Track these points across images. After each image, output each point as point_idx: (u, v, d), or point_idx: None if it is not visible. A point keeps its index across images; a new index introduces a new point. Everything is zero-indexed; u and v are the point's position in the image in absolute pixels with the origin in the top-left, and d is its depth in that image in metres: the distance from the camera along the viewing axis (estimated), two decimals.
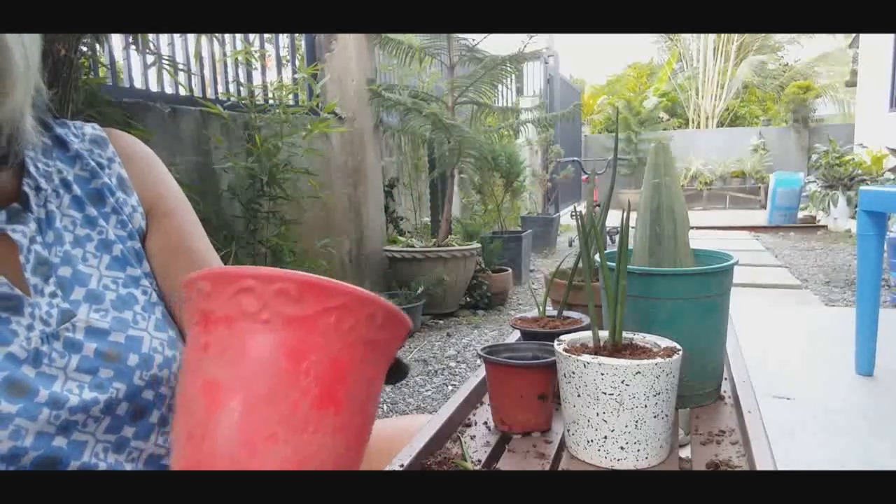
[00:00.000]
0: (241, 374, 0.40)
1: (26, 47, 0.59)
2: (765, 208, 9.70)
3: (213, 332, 0.42)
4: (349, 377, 0.42)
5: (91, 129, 0.73)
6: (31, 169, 0.66)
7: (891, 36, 8.15)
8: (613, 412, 0.74)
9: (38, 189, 0.65)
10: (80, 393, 0.60)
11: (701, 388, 0.95)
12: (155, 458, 0.67)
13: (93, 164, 0.70)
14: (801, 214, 8.68)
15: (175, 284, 0.71)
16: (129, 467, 0.64)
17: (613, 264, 0.83)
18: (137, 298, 0.67)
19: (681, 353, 0.77)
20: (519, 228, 6.18)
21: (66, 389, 0.59)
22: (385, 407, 2.64)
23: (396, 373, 0.51)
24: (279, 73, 3.61)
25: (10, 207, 0.63)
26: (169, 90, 2.76)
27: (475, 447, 0.84)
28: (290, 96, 3.38)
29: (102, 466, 0.61)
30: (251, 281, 0.41)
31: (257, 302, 0.41)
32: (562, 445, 0.83)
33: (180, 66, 2.77)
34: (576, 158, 8.24)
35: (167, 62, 2.50)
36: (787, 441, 2.06)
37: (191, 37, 2.86)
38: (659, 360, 0.73)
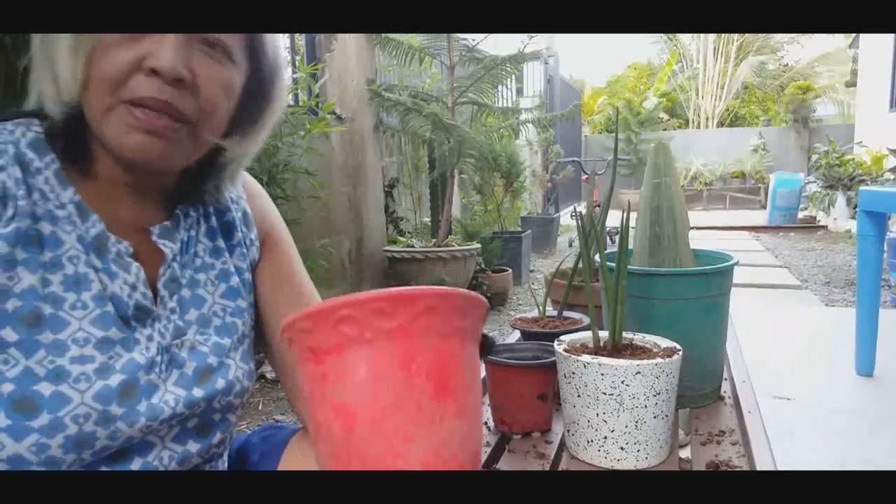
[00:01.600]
0: (364, 391, 0.45)
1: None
2: (765, 208, 9.70)
3: (327, 363, 0.47)
4: (454, 365, 0.47)
5: None
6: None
7: (891, 36, 8.15)
8: (613, 412, 0.74)
9: (186, 214, 0.72)
10: (175, 407, 0.64)
11: (701, 388, 0.95)
12: (199, 464, 0.70)
13: (227, 198, 0.77)
14: (801, 215, 8.68)
15: (279, 309, 0.78)
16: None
17: (613, 264, 0.83)
18: (238, 328, 0.72)
19: (681, 353, 0.77)
20: (519, 228, 6.18)
21: (164, 401, 0.63)
22: None
23: (485, 346, 0.54)
24: None
25: (163, 224, 0.69)
26: None
27: None
28: (290, 96, 3.38)
29: (160, 469, 0.64)
30: (348, 310, 0.45)
31: (358, 326, 0.45)
32: (562, 445, 0.83)
33: None
34: (576, 159, 8.24)
35: None
36: (787, 441, 2.06)
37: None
38: (659, 360, 0.73)
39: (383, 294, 0.45)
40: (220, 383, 0.68)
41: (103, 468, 0.60)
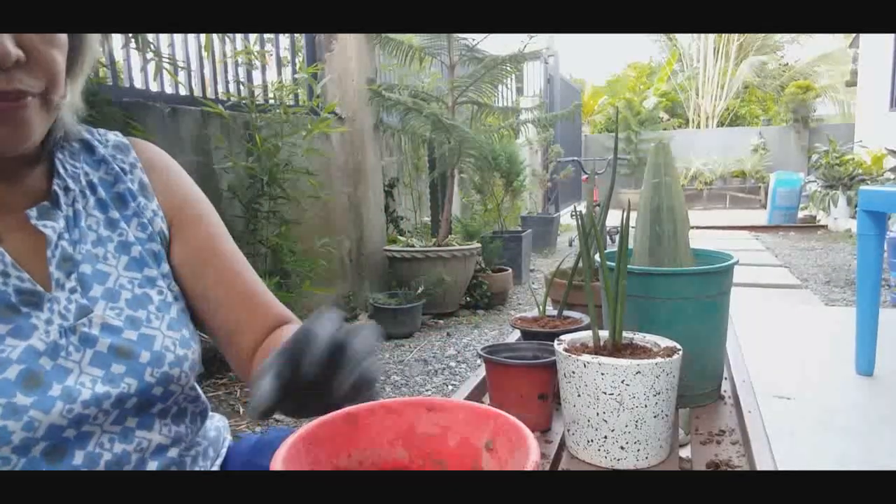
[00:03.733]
0: None
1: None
2: (765, 208, 9.70)
3: None
4: None
5: (114, 136, 0.77)
6: (61, 170, 0.69)
7: (891, 36, 8.15)
8: (613, 412, 0.74)
9: (66, 189, 0.68)
10: (93, 387, 0.61)
11: (701, 388, 0.95)
12: (163, 448, 0.68)
13: (117, 168, 0.74)
14: (801, 214, 8.68)
15: (207, 288, 0.75)
16: (136, 458, 0.65)
17: (613, 264, 0.83)
18: (152, 298, 0.70)
19: (681, 352, 0.77)
20: (519, 228, 6.18)
21: (80, 383, 0.61)
22: None
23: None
24: (279, 72, 3.61)
25: (41, 205, 0.66)
26: (169, 90, 2.76)
27: None
28: (291, 96, 3.38)
29: (107, 456, 0.63)
30: None
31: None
32: (562, 445, 0.83)
33: (180, 66, 2.77)
34: (576, 158, 8.24)
35: (167, 62, 2.50)
36: (787, 441, 2.06)
37: (191, 37, 2.85)
38: (659, 359, 0.73)
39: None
40: (145, 356, 0.65)
41: (45, 468, 0.59)
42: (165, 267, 0.73)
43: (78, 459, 0.61)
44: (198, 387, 0.76)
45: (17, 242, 0.64)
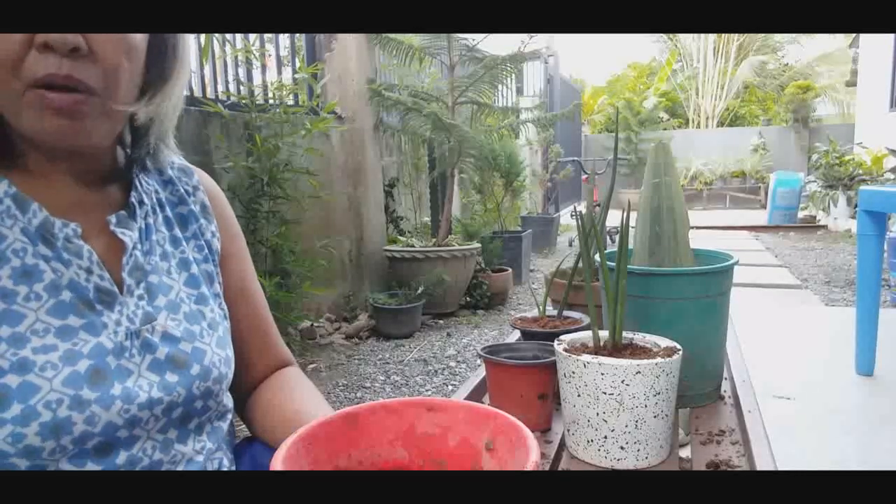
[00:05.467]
0: None
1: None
2: (765, 208, 9.69)
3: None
4: None
5: (177, 158, 0.81)
6: (138, 185, 0.73)
7: (891, 36, 8.14)
8: (613, 412, 0.74)
9: (141, 203, 0.72)
10: (149, 391, 0.64)
11: (701, 388, 0.95)
12: (194, 462, 0.70)
13: (181, 190, 0.78)
14: (801, 214, 8.67)
15: (237, 322, 0.80)
16: (168, 468, 0.67)
17: (613, 264, 0.83)
18: (205, 315, 0.73)
19: (681, 353, 0.77)
20: (519, 228, 6.18)
21: (137, 385, 0.64)
22: None
23: None
24: (279, 72, 3.61)
25: (119, 213, 0.69)
26: None
27: None
28: (291, 96, 3.38)
29: (146, 461, 0.65)
30: None
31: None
32: (562, 445, 0.83)
33: None
34: (576, 158, 8.23)
35: None
36: (787, 441, 2.06)
37: (191, 37, 2.85)
38: (659, 359, 0.73)
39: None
40: (196, 369, 0.68)
41: (90, 464, 0.61)
42: (217, 287, 0.77)
43: (121, 459, 0.63)
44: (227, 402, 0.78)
45: (98, 244, 0.67)
